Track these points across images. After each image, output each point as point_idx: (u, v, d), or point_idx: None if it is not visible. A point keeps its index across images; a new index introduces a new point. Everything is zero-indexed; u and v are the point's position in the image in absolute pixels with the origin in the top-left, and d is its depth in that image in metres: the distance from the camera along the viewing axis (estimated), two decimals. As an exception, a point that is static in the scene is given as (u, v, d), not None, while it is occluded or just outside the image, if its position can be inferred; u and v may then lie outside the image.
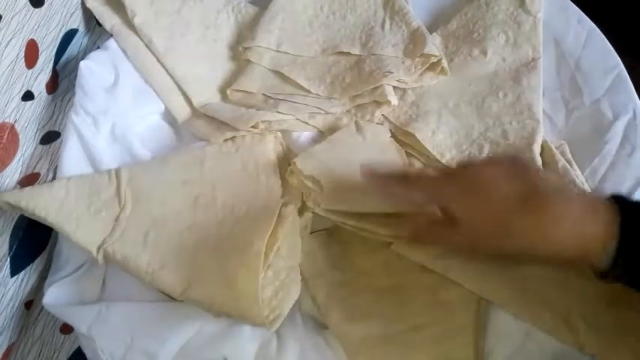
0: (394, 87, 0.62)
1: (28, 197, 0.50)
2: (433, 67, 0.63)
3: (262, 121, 0.58)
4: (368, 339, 0.47)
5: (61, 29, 0.60)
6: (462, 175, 0.45)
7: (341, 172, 0.54)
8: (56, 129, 0.59)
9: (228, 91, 0.63)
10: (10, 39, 0.50)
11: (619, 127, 0.57)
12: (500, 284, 0.48)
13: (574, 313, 0.46)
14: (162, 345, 0.46)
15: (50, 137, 0.58)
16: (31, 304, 0.56)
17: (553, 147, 0.57)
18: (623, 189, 0.54)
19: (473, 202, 0.42)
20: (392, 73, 0.60)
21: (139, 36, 0.63)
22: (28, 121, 0.54)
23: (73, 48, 0.64)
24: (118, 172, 0.54)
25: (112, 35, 0.63)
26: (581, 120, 0.60)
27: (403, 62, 0.63)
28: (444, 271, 0.49)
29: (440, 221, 0.44)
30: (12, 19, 0.49)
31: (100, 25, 0.65)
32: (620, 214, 0.39)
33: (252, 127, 0.58)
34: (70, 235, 0.50)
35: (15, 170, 0.53)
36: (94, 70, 0.58)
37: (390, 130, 0.60)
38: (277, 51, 0.66)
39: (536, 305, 0.47)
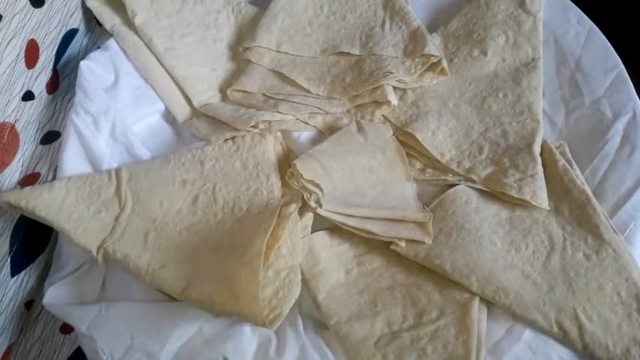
0: (394, 87, 0.62)
1: (28, 197, 0.50)
2: (433, 67, 0.63)
3: (262, 121, 0.58)
4: (368, 339, 0.47)
5: (61, 29, 0.60)
6: None
7: (341, 174, 0.54)
8: (56, 129, 0.59)
9: (229, 91, 0.63)
10: (11, 39, 0.50)
11: (619, 126, 0.57)
12: (500, 285, 0.48)
13: (575, 313, 0.46)
14: (162, 345, 0.46)
15: (50, 137, 0.58)
16: (31, 304, 0.56)
17: (553, 147, 0.57)
18: (623, 189, 0.54)
19: None
20: (392, 73, 0.60)
21: (139, 36, 0.63)
22: (28, 121, 0.54)
23: (73, 48, 0.64)
24: (118, 171, 0.54)
25: (112, 35, 0.63)
26: (581, 120, 0.60)
27: (403, 62, 0.63)
28: (443, 271, 0.49)
29: None
30: (12, 19, 0.49)
31: (100, 25, 0.65)
32: None
33: (252, 127, 0.58)
34: (70, 235, 0.50)
35: (15, 170, 0.53)
36: (94, 70, 0.58)
37: (390, 130, 0.60)
38: (277, 51, 0.66)
39: (536, 306, 0.47)
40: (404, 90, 0.63)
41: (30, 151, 0.55)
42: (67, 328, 0.57)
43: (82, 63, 0.58)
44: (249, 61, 0.65)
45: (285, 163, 0.57)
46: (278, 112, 0.60)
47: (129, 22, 0.63)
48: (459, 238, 0.51)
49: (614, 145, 0.56)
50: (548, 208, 0.53)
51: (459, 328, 0.46)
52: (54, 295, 0.50)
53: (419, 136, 0.58)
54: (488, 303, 0.48)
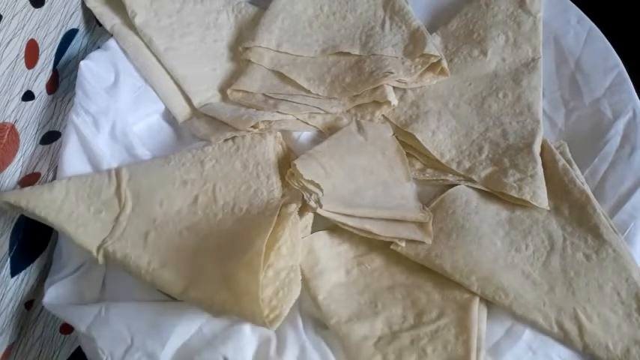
0: (394, 87, 0.62)
1: (28, 197, 0.50)
2: (433, 67, 0.63)
3: (262, 121, 0.58)
4: (368, 339, 0.47)
5: (61, 29, 0.60)
6: None
7: (341, 174, 0.54)
8: (56, 129, 0.59)
9: (229, 91, 0.63)
10: (11, 39, 0.50)
11: (619, 126, 0.57)
12: (500, 285, 0.48)
13: (575, 313, 0.46)
14: (162, 345, 0.46)
15: (50, 137, 0.58)
16: (31, 304, 0.56)
17: (553, 147, 0.57)
18: (623, 189, 0.54)
19: None
20: (392, 73, 0.60)
21: (139, 36, 0.63)
22: (28, 121, 0.54)
23: (73, 48, 0.64)
24: (118, 171, 0.54)
25: (112, 35, 0.63)
26: (581, 120, 0.60)
27: (403, 62, 0.63)
28: (443, 271, 0.49)
29: None
30: (12, 19, 0.49)
31: (100, 25, 0.65)
32: None
33: (252, 127, 0.58)
34: (70, 235, 0.50)
35: (15, 170, 0.53)
36: (94, 70, 0.58)
37: (390, 130, 0.60)
38: (277, 51, 0.66)
39: (536, 306, 0.47)
40: (404, 90, 0.63)
41: (30, 151, 0.55)
42: (67, 328, 0.57)
43: (82, 63, 0.58)
44: (249, 61, 0.65)
45: (285, 163, 0.57)
46: (278, 112, 0.60)
47: (129, 22, 0.63)
48: (459, 238, 0.51)
49: (614, 145, 0.56)
50: (548, 208, 0.53)
51: (459, 328, 0.46)
52: (54, 295, 0.50)
53: (419, 136, 0.58)
54: (488, 303, 0.48)
